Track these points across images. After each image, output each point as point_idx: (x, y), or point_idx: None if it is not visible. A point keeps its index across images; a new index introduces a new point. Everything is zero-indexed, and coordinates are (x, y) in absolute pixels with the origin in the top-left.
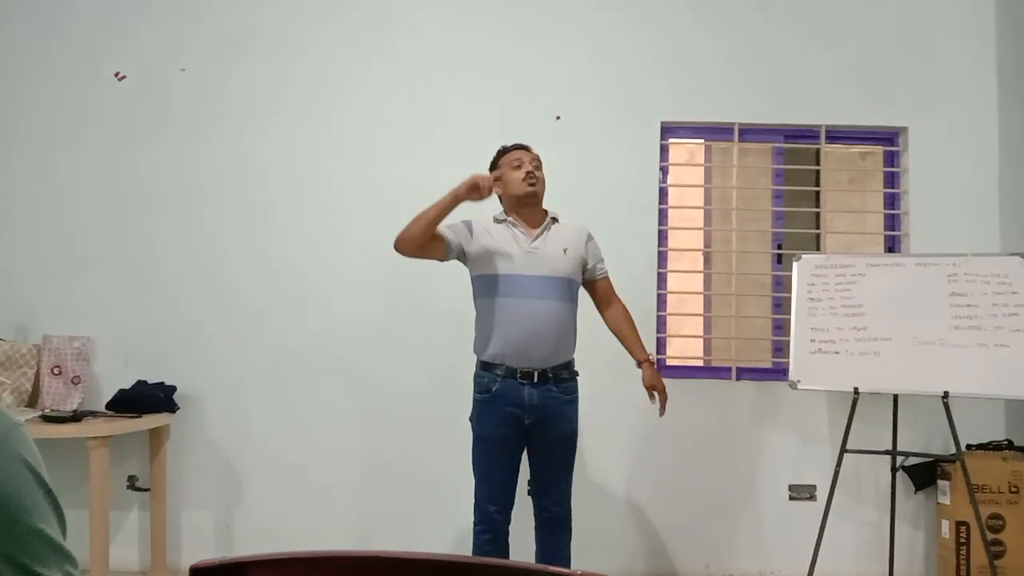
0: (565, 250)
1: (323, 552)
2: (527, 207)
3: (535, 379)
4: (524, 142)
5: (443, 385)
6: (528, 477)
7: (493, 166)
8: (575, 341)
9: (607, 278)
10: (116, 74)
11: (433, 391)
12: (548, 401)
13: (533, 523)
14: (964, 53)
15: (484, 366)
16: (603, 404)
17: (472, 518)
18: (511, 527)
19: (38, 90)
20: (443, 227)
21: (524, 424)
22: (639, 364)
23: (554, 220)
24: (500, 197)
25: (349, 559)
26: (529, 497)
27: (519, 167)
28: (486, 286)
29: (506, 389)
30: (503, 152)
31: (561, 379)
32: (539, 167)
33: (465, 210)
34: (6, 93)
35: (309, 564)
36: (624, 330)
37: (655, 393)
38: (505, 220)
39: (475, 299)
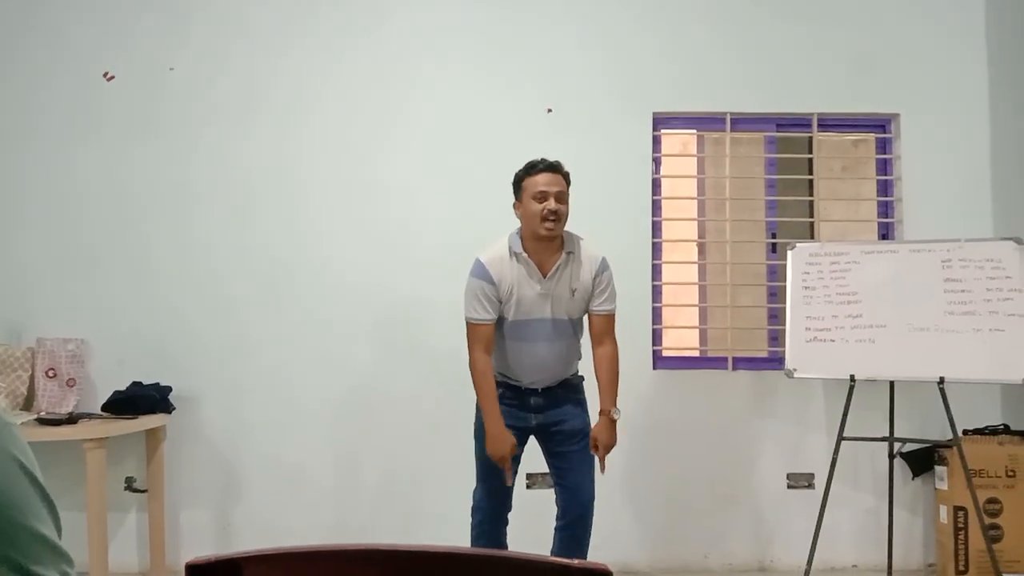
0: (574, 291)
1: (318, 546)
2: (543, 241)
3: (539, 391)
4: (519, 131)
5: (440, 381)
6: (527, 473)
7: (517, 182)
8: (579, 358)
9: (607, 316)
10: (105, 74)
11: (430, 387)
12: (553, 400)
13: (553, 524)
14: (955, 39)
15: None
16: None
17: (470, 517)
18: (517, 529)
19: (27, 92)
20: (486, 313)
21: (530, 426)
22: (600, 412)
23: (570, 255)
24: (519, 217)
25: (344, 552)
26: (528, 491)
27: (543, 200)
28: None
29: (511, 392)
30: (530, 170)
31: (567, 385)
32: (564, 199)
33: (459, 205)
34: None
35: (304, 558)
36: (603, 376)
37: (597, 446)
38: (521, 255)
39: None
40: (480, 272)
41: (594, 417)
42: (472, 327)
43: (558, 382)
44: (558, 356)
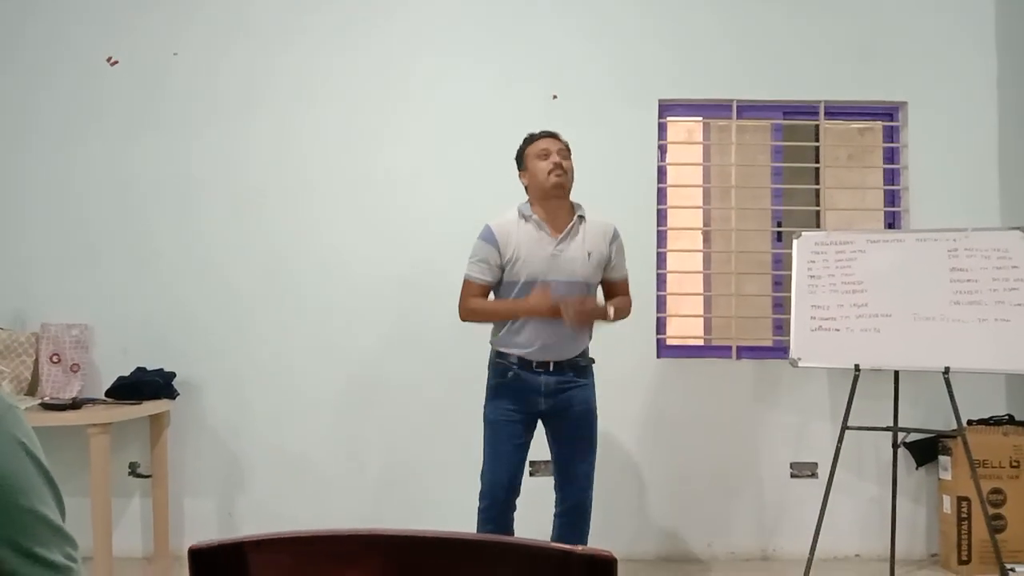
0: (589, 254)
1: (321, 531)
2: (553, 200)
3: (551, 368)
4: (523, 120)
5: (443, 369)
6: (531, 461)
7: (519, 154)
8: (591, 335)
9: (624, 281)
10: (108, 59)
11: (432, 376)
12: (565, 385)
13: (553, 511)
14: (962, 27)
15: (500, 355)
16: (603, 386)
17: (477, 503)
18: (520, 515)
19: (29, 81)
20: (482, 274)
21: (540, 410)
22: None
23: (581, 219)
24: (526, 188)
25: (348, 538)
26: (531, 478)
27: (546, 157)
28: (507, 289)
29: (522, 375)
30: (530, 140)
31: (577, 366)
32: (567, 156)
33: (463, 195)
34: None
35: (307, 543)
36: (615, 297)
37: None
38: (531, 217)
39: (494, 293)
40: (486, 235)
41: (601, 403)
42: (467, 283)
43: (569, 358)
44: None
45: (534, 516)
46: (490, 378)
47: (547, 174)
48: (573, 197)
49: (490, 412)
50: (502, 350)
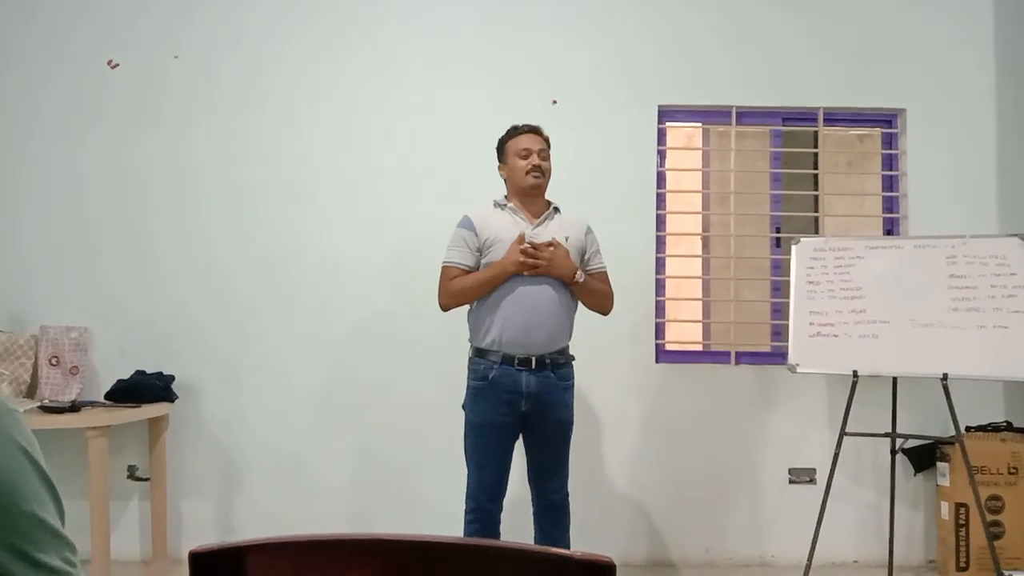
0: (567, 238)
1: (320, 535)
2: (529, 196)
3: (532, 365)
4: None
5: (436, 372)
6: (524, 464)
7: (500, 145)
8: (572, 326)
9: (603, 273)
10: (109, 62)
11: (427, 378)
12: (546, 387)
13: (531, 510)
14: (962, 34)
15: (480, 353)
16: (602, 390)
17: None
18: (509, 514)
19: (31, 81)
20: (461, 257)
21: (521, 411)
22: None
23: (556, 210)
24: (505, 180)
25: (346, 542)
26: (526, 483)
27: (526, 157)
28: None
29: (503, 376)
30: (513, 133)
31: (558, 364)
32: (547, 156)
33: (461, 198)
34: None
35: (306, 547)
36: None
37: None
38: (506, 206)
39: None
40: (463, 222)
41: (599, 406)
42: (445, 269)
43: (550, 353)
44: (552, 302)
45: (528, 519)
46: (471, 379)
47: (525, 174)
48: (570, 200)
49: (473, 416)
50: (481, 347)
